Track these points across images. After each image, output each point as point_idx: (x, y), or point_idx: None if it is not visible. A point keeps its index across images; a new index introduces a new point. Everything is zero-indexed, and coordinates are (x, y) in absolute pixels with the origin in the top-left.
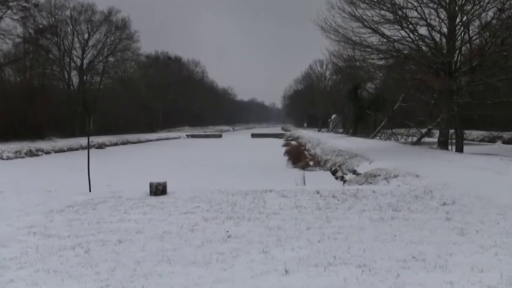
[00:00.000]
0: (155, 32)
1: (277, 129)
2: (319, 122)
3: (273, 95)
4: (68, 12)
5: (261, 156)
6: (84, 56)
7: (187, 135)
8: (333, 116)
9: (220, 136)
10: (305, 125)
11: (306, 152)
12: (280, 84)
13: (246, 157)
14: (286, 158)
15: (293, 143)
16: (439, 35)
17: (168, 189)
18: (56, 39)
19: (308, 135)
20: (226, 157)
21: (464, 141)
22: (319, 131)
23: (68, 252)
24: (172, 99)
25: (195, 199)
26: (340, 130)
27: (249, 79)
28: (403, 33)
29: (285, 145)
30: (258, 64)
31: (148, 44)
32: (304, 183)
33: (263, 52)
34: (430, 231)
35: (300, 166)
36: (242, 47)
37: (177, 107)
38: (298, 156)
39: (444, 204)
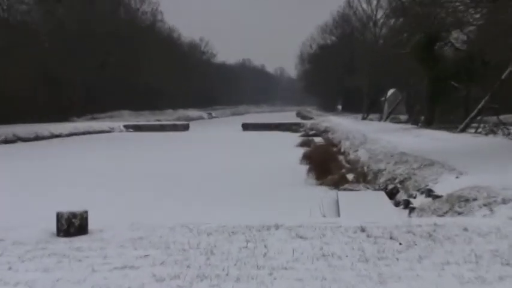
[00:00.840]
0: None
1: (289, 115)
2: (364, 103)
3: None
4: None
5: (260, 164)
6: None
7: (127, 127)
8: (390, 92)
9: (186, 128)
10: (339, 107)
11: (340, 157)
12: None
13: (232, 166)
14: (306, 167)
15: (317, 140)
16: None
17: (91, 225)
18: None
19: (344, 127)
20: (196, 167)
21: None
22: (364, 118)
23: None
24: (99, 62)
25: (140, 242)
26: (404, 117)
27: (239, 31)
28: None
29: (302, 144)
30: (254, 4)
31: None
32: (338, 213)
33: None
34: None
35: (331, 182)
36: None
37: (108, 79)
38: (326, 165)
39: None
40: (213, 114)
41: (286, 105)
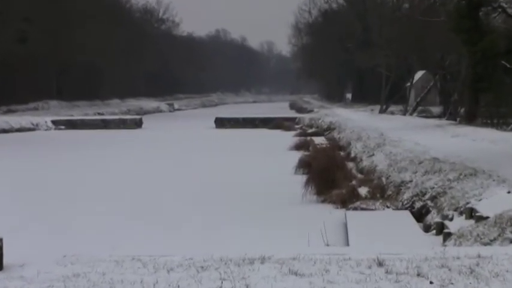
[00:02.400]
0: None
1: (280, 107)
2: (382, 91)
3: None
4: None
5: (241, 175)
6: None
7: (56, 123)
8: (418, 76)
9: (138, 125)
10: (348, 96)
11: (349, 165)
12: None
13: (202, 179)
14: (302, 178)
15: (318, 141)
16: None
17: (7, 258)
18: None
19: (356, 123)
20: (153, 180)
21: None
22: (383, 111)
23: None
24: (15, 34)
25: (75, 282)
26: (436, 109)
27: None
28: None
29: (298, 147)
30: None
31: None
32: (347, 241)
33: None
34: None
35: (336, 198)
36: None
37: (29, 57)
38: (330, 175)
39: None
40: (176, 105)
41: (276, 94)
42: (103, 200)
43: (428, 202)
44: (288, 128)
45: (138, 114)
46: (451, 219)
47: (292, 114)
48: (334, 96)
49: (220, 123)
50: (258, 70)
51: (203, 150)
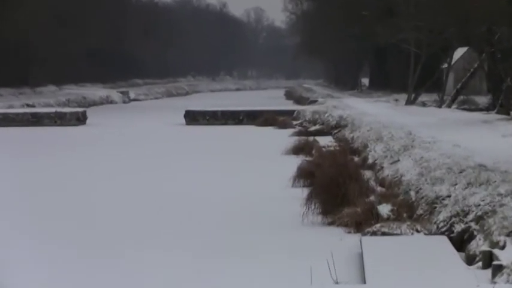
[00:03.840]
0: None
1: (273, 96)
2: (410, 75)
3: None
4: None
5: (222, 189)
6: None
7: None
8: (459, 55)
9: (81, 120)
10: (363, 82)
11: (366, 174)
12: None
13: (170, 196)
14: (303, 192)
15: (324, 142)
16: None
17: None
18: None
19: (375, 118)
20: (102, 197)
21: None
22: (411, 101)
23: None
24: None
25: None
26: (483, 99)
27: None
28: None
29: (297, 150)
30: None
31: None
32: (363, 277)
33: None
34: None
35: (349, 220)
36: None
37: None
38: (340, 188)
39: None
40: (132, 94)
41: (268, 78)
42: (18, 228)
43: (472, 225)
44: (283, 125)
45: (80, 106)
46: (503, 248)
47: (289, 106)
48: (345, 81)
49: (192, 118)
50: (243, 47)
51: (169, 156)
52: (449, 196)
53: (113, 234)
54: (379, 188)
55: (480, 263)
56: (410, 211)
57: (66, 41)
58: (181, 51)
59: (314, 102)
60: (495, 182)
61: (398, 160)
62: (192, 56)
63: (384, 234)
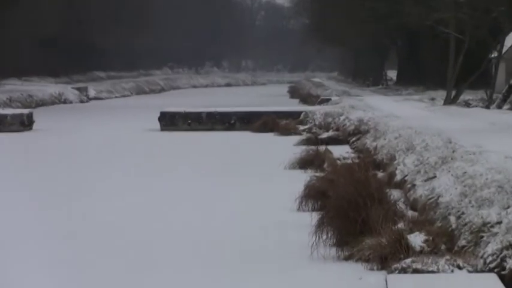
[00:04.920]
0: None
1: (273, 94)
2: (449, 67)
3: None
4: None
5: (206, 211)
6: None
7: None
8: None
9: (26, 125)
10: (390, 76)
11: (392, 193)
12: None
13: (137, 218)
14: (313, 217)
15: (340, 153)
16: None
17: None
18: None
19: (404, 121)
20: (56, 229)
21: None
22: (451, 101)
23: None
24: None
25: None
26: None
27: None
28: None
29: (303, 163)
30: None
31: None
32: None
33: None
34: None
35: (371, 253)
36: None
37: None
38: (359, 211)
39: None
40: (92, 91)
41: (267, 71)
42: None
43: None
44: (286, 131)
45: (25, 106)
46: None
47: (294, 106)
48: (366, 75)
49: (170, 122)
50: (235, 31)
51: (139, 171)
52: (499, 223)
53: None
54: (409, 212)
55: None
56: (450, 242)
57: (5, 22)
58: (155, 37)
59: (326, 101)
60: None
61: (435, 176)
62: (169, 42)
63: (416, 271)
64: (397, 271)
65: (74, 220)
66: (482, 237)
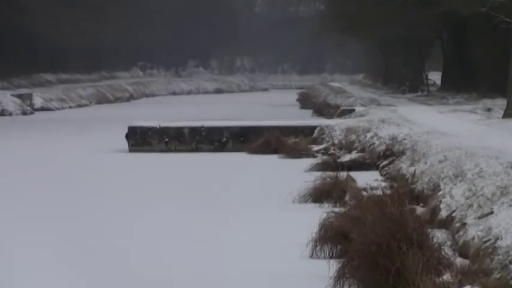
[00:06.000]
0: None
1: (279, 104)
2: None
3: None
4: None
5: (192, 259)
6: None
7: None
8: None
9: None
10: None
11: (435, 235)
12: None
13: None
14: (331, 265)
15: (367, 180)
16: None
17: None
18: None
19: (450, 139)
20: None
21: None
22: None
23: None
24: None
25: None
26: None
27: None
28: None
29: (319, 194)
30: None
31: None
32: None
33: None
34: None
35: None
36: None
37: None
38: (392, 258)
39: None
40: (38, 99)
41: (269, 72)
42: None
43: None
44: (294, 152)
45: None
46: None
47: (306, 119)
48: (401, 78)
49: (141, 140)
50: (227, 20)
51: (104, 206)
52: None
53: None
54: (458, 260)
55: None
56: None
57: None
58: (121, 28)
59: (348, 113)
60: None
61: (492, 212)
62: (141, 36)
63: None
64: None
65: None
66: None
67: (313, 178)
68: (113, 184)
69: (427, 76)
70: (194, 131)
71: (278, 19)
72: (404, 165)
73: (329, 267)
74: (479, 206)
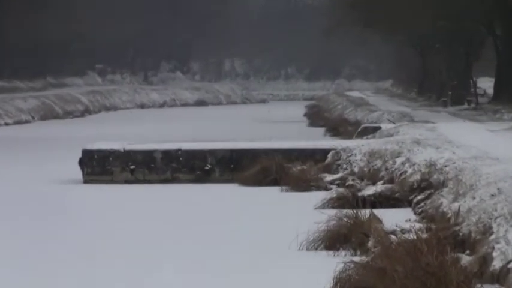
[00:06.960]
0: None
1: (282, 121)
2: None
3: None
4: None
5: None
6: None
7: None
8: None
9: None
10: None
11: None
12: None
13: None
14: None
15: (396, 221)
16: None
17: None
18: None
19: (504, 166)
20: None
21: None
22: None
23: None
24: None
25: None
26: None
27: None
28: None
29: (332, 239)
30: None
31: None
32: None
33: None
34: None
35: None
36: None
37: None
38: None
39: None
40: None
41: (270, 78)
42: None
43: None
44: (301, 183)
45: None
46: None
47: (316, 139)
48: (441, 86)
49: (99, 167)
50: (213, 9)
51: (37, 266)
52: None
53: None
54: None
55: None
56: None
57: None
58: (73, 20)
59: (372, 131)
60: None
61: None
62: (99, 31)
63: None
64: None
65: None
66: None
67: (326, 218)
68: (59, 229)
69: (475, 83)
70: (169, 155)
71: (280, 9)
72: (445, 201)
73: None
74: None
